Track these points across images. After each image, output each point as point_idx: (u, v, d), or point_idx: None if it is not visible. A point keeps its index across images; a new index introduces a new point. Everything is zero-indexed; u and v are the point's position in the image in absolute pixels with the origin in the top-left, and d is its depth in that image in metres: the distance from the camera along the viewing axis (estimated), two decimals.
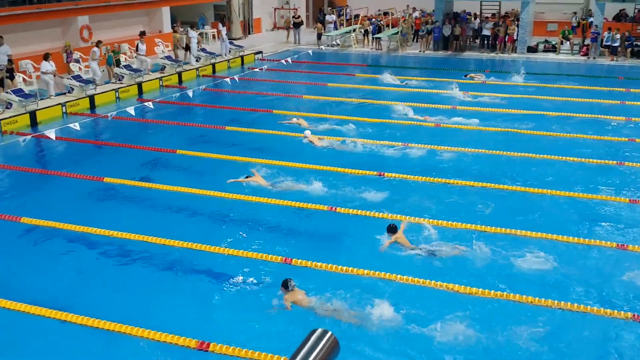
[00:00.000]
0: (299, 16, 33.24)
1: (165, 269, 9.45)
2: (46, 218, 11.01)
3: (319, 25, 32.13)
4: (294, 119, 17.37)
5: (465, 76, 23.33)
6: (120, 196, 12.41)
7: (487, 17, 30.84)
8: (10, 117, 17.08)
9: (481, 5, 31.15)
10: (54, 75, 19.48)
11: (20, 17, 21.58)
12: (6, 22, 21.15)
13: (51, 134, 14.16)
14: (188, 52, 25.27)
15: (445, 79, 22.71)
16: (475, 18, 30.56)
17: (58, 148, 15.46)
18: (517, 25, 28.71)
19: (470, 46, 30.33)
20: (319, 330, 3.11)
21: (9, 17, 21.11)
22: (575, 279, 9.13)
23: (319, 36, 31.40)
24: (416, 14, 33.53)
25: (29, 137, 14.82)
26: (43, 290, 8.85)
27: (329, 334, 3.08)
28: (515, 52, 28.74)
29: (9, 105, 17.63)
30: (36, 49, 22.57)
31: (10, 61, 19.13)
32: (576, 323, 8.19)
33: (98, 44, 21.32)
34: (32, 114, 17.64)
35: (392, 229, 10.18)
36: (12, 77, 19.13)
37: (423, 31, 30.18)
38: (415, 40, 31.74)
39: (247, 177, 12.77)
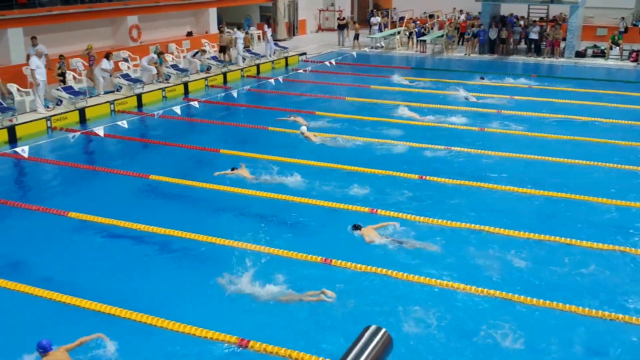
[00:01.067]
0: (344, 18, 33.26)
1: (209, 266, 9.57)
2: (93, 213, 11.27)
3: (357, 26, 32.12)
4: (292, 117, 17.67)
5: (482, 79, 23.07)
6: (165, 193, 12.64)
7: (534, 21, 30.35)
8: (60, 113, 17.58)
9: (529, 8, 30.68)
10: (111, 75, 19.91)
11: (72, 16, 22.16)
12: (58, 21, 21.76)
13: (100, 131, 14.50)
14: (229, 53, 25.55)
15: (489, 83, 22.45)
16: (522, 21, 30.13)
17: (106, 145, 15.83)
18: (565, 30, 28.19)
19: (517, 50, 29.87)
20: (373, 327, 3.13)
21: (61, 15, 21.70)
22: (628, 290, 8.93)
23: (357, 37, 31.45)
24: (462, 16, 33.21)
25: (78, 133, 15.22)
26: (89, 284, 9.07)
27: (383, 330, 3.10)
28: (563, 57, 28.21)
29: (59, 102, 18.14)
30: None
31: (61, 57, 19.65)
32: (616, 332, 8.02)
33: (156, 50, 22.05)
34: (82, 111, 18.11)
35: (356, 227, 10.50)
36: (63, 78, 19.64)
37: (469, 34, 29.89)
38: (460, 43, 31.45)
39: (233, 169, 13.22)
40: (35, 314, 8.35)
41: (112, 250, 10.18)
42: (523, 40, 29.72)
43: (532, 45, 29.11)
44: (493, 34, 29.09)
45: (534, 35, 28.85)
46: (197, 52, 23.60)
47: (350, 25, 31.88)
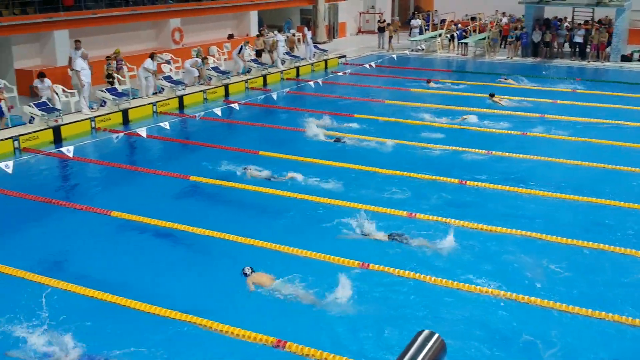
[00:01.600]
0: (384, 20, 33.16)
1: (242, 265, 9.62)
2: (135, 213, 11.46)
3: (391, 27, 32.00)
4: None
5: (505, 79, 22.43)
6: (205, 194, 12.77)
7: (579, 24, 29.75)
8: (104, 114, 17.93)
9: (573, 11, 30.09)
10: (154, 75, 20.21)
11: (116, 18, 22.62)
12: (103, 23, 22.22)
13: (142, 132, 14.73)
14: (271, 55, 25.70)
15: (532, 86, 22.09)
16: (566, 24, 29.57)
17: (148, 146, 16.08)
18: (611, 33, 27.56)
19: (562, 53, 29.32)
20: (426, 332, 3.12)
21: (106, 18, 22.17)
22: None
23: (390, 39, 31.37)
24: (505, 19, 32.78)
25: (121, 134, 15.50)
26: (129, 282, 9.21)
27: (436, 335, 3.08)
28: (608, 61, 27.58)
29: (103, 103, 18.50)
30: (130, 50, 23.56)
31: (108, 59, 20.06)
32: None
33: (201, 57, 22.49)
34: (125, 113, 18.44)
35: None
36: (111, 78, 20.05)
37: (512, 37, 29.48)
38: (502, 46, 31.04)
39: (245, 169, 13.55)
40: (76, 310, 8.50)
41: (152, 249, 10.32)
42: (567, 43, 29.16)
43: (577, 49, 28.53)
44: (537, 37, 28.62)
45: (578, 39, 28.26)
46: (203, 58, 23.01)
47: (386, 27, 31.77)
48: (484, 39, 30.39)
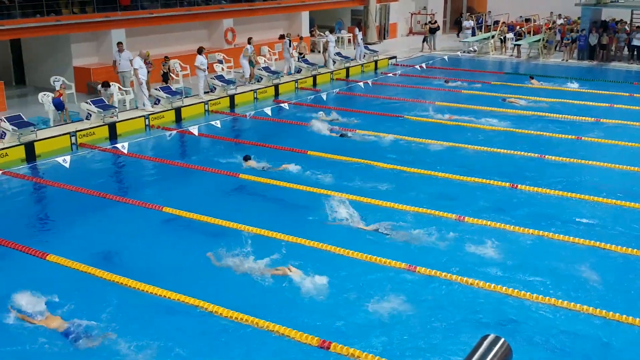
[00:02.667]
0: (435, 21, 32.84)
1: (291, 264, 9.69)
2: (185, 209, 11.67)
3: (426, 27, 31.71)
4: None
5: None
6: (254, 193, 12.90)
7: (638, 27, 28.89)
8: (158, 112, 18.32)
9: (632, 13, 29.22)
10: (206, 71, 20.48)
11: (171, 18, 23.07)
12: (158, 23, 22.69)
13: (194, 130, 14.99)
14: (324, 55, 25.76)
15: (589, 90, 21.56)
16: (626, 27, 28.75)
17: (199, 144, 16.34)
18: None
19: (620, 57, 28.50)
20: (491, 336, 3.09)
21: (161, 18, 22.63)
22: None
23: (425, 39, 31.11)
24: (560, 21, 32.08)
25: (174, 132, 15.79)
26: (178, 278, 9.38)
27: (502, 340, 3.05)
28: None
29: (157, 101, 18.90)
30: (183, 50, 23.99)
31: (166, 58, 20.46)
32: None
33: (249, 40, 22.25)
34: (178, 111, 18.80)
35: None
36: (166, 78, 20.44)
37: (568, 39, 28.83)
38: (558, 48, 30.39)
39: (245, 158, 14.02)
40: (124, 303, 8.72)
41: (201, 245, 10.47)
42: (625, 46, 28.33)
43: (635, 52, 27.70)
44: (593, 40, 27.90)
45: (637, 42, 27.41)
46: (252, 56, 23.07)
47: (423, 28, 31.48)
48: (538, 41, 29.81)
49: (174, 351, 7.62)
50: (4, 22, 18.13)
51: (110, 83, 18.34)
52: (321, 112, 17.30)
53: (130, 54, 19.43)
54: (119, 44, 19.67)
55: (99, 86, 18.29)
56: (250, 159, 13.98)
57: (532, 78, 23.54)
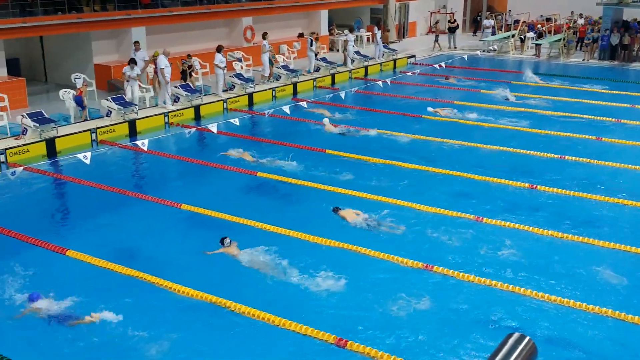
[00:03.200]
0: (455, 20, 32.66)
1: (308, 263, 9.73)
2: (203, 206, 11.75)
3: (438, 26, 31.54)
4: (320, 109, 17.88)
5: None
6: (272, 191, 12.94)
7: None
8: (177, 110, 18.44)
9: None
10: (224, 69, 20.56)
11: (190, 16, 23.19)
12: (178, 21, 22.83)
13: (213, 127, 15.07)
14: (345, 54, 25.71)
15: (609, 90, 21.34)
16: None
17: (218, 141, 16.42)
18: None
19: None
20: (516, 334, 3.08)
21: (181, 16, 22.76)
22: None
23: (437, 38, 31.02)
24: (581, 20, 31.76)
25: (193, 129, 15.88)
26: (195, 275, 9.45)
27: (527, 338, 3.05)
28: None
29: (176, 99, 19.02)
30: (203, 48, 24.10)
31: (189, 57, 20.56)
32: None
33: (264, 36, 22.29)
34: (197, 108, 18.91)
35: (335, 210, 11.35)
36: (189, 75, 20.50)
37: (589, 39, 28.54)
38: (579, 48, 30.09)
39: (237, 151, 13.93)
40: (142, 297, 8.81)
41: (217, 242, 10.54)
42: None
43: None
44: (615, 40, 27.59)
45: None
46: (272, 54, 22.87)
47: (437, 28, 31.31)
48: (559, 40, 29.55)
49: (190, 346, 7.69)
50: (27, 19, 18.35)
51: (137, 68, 18.24)
52: (325, 119, 17.34)
53: (146, 54, 19.52)
54: (136, 42, 19.74)
55: (125, 67, 18.07)
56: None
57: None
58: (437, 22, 33.25)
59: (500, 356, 2.95)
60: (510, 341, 3.03)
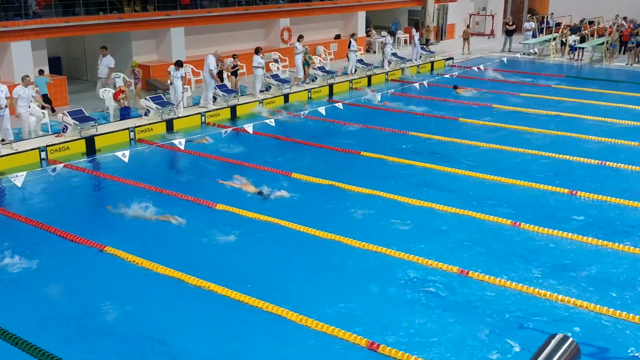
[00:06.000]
0: (513, 23, 31.90)
1: (339, 266, 9.70)
2: (237, 206, 11.80)
3: (467, 29, 31.04)
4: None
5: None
6: (306, 191, 12.92)
7: None
8: (214, 110, 18.59)
9: None
10: (263, 70, 20.62)
11: (229, 17, 23.36)
12: (216, 22, 23.01)
13: (249, 128, 15.13)
14: (385, 56, 25.58)
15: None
16: None
17: (253, 142, 16.48)
18: None
19: None
20: (559, 335, 3.01)
21: (220, 17, 22.94)
22: None
23: (467, 39, 30.60)
24: (625, 24, 31.03)
25: (229, 129, 15.97)
26: (223, 271, 9.49)
27: (570, 339, 2.98)
28: None
29: (213, 99, 19.17)
30: (240, 48, 24.23)
31: (235, 57, 20.66)
32: None
33: (300, 38, 22.34)
34: (233, 109, 19.03)
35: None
36: (235, 74, 20.65)
37: (632, 42, 27.87)
38: (622, 52, 29.41)
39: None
40: (179, 295, 8.88)
41: (252, 242, 10.58)
42: None
43: None
44: None
45: None
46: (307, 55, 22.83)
47: (465, 32, 30.81)
48: (602, 44, 28.91)
49: (218, 342, 7.73)
50: (69, 19, 18.71)
51: (182, 70, 18.34)
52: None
53: (112, 61, 18.66)
54: (103, 48, 18.80)
55: (170, 67, 18.11)
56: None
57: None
58: (467, 26, 32.77)
59: (543, 356, 2.88)
60: (553, 342, 2.95)
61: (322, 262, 9.92)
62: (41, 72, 17.90)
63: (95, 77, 19.31)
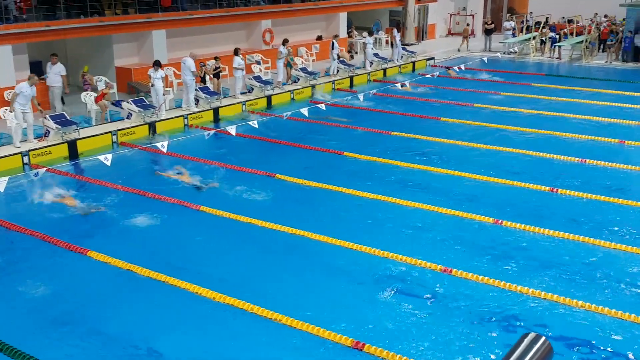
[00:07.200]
0: (492, 22, 32.18)
1: (324, 265, 9.75)
2: (221, 208, 11.81)
3: (466, 28, 31.32)
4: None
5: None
6: (290, 193, 12.96)
7: None
8: (196, 112, 18.56)
9: None
10: (243, 71, 20.64)
11: (210, 19, 23.34)
12: (198, 24, 23.00)
13: (231, 130, 15.14)
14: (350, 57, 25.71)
15: (632, 93, 21.10)
16: None
17: (236, 143, 16.49)
18: None
19: None
20: (532, 334, 3.06)
21: (201, 19, 22.92)
22: None
23: (466, 38, 30.94)
24: (604, 22, 31.43)
25: (211, 131, 15.97)
26: (206, 272, 9.50)
27: (543, 338, 3.03)
28: None
29: (196, 101, 19.14)
30: (222, 50, 24.21)
31: (217, 59, 20.62)
32: None
33: (284, 42, 22.37)
34: (215, 111, 19.02)
35: None
36: (217, 76, 20.62)
37: (611, 40, 28.23)
38: (601, 50, 29.77)
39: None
40: (165, 299, 8.88)
41: (235, 244, 10.59)
42: None
43: None
44: (639, 41, 27.24)
45: None
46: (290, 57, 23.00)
47: (465, 30, 31.08)
48: (581, 42, 29.25)
49: (201, 343, 7.74)
50: (50, 22, 18.60)
51: (161, 70, 18.20)
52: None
53: (63, 69, 17.92)
54: (53, 55, 18.03)
55: (150, 70, 17.95)
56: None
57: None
58: (468, 24, 32.94)
59: (516, 356, 2.93)
60: (526, 341, 3.01)
61: (306, 262, 9.96)
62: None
63: (77, 81, 19.18)
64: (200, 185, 13.31)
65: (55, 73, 17.80)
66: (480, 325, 8.13)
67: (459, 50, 30.60)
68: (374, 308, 8.61)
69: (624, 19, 28.91)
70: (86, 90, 18.19)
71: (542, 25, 31.87)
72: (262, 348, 7.78)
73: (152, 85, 17.93)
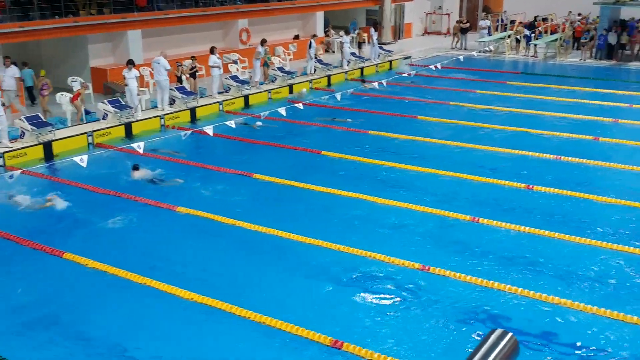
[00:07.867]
0: (467, 21, 32.43)
1: (303, 265, 9.76)
2: (199, 209, 11.77)
3: (456, 25, 31.59)
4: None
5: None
6: (269, 193, 12.95)
7: None
8: (173, 112, 18.45)
9: None
10: (220, 69, 20.53)
11: (187, 19, 23.21)
12: (174, 24, 22.85)
13: (209, 130, 15.07)
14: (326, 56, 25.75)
15: (606, 90, 21.43)
16: None
17: (214, 144, 16.43)
18: None
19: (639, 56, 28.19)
20: (499, 331, 3.12)
21: (177, 19, 22.78)
22: None
23: (457, 34, 30.98)
24: (578, 20, 31.81)
25: (188, 132, 15.89)
26: (197, 278, 9.47)
27: (510, 334, 3.09)
28: None
29: (172, 101, 19.03)
30: (198, 50, 24.07)
31: (193, 59, 20.47)
32: None
33: (263, 42, 22.31)
34: (192, 111, 18.92)
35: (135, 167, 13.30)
36: (194, 76, 20.48)
37: (585, 38, 28.59)
38: (575, 47, 30.14)
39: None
40: (140, 300, 8.82)
41: (216, 245, 10.56)
42: None
43: None
44: (613, 39, 27.62)
45: None
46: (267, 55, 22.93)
47: (455, 27, 31.34)
48: (556, 40, 29.59)
49: (178, 343, 7.72)
50: (24, 23, 18.36)
51: (135, 70, 18.00)
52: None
53: (17, 71, 17.41)
54: (6, 58, 17.44)
55: (124, 70, 17.74)
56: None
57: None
58: (458, 21, 33.13)
59: (482, 352, 2.98)
60: (493, 337, 3.06)
61: (284, 261, 9.97)
62: (25, 64, 17.58)
63: (52, 82, 18.95)
64: (176, 185, 13.24)
65: (10, 76, 17.12)
66: (458, 322, 8.19)
67: (452, 48, 30.82)
68: (352, 306, 8.64)
69: (597, 17, 29.30)
70: (43, 95, 17.41)
71: (516, 23, 32.14)
72: (241, 347, 7.78)
73: (127, 85, 17.79)
